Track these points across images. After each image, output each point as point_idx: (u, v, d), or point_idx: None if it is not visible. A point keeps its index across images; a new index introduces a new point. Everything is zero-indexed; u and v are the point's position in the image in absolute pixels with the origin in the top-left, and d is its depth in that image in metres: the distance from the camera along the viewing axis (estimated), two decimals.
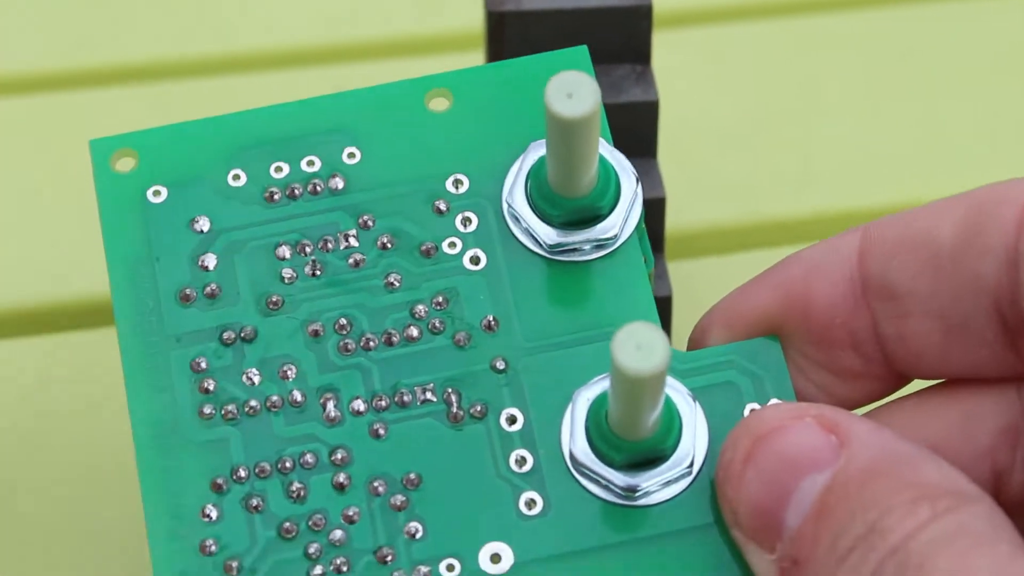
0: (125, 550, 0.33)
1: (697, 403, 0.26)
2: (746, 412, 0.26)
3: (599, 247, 0.27)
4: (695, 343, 0.27)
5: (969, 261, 0.25)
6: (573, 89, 0.25)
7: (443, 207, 0.27)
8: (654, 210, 0.32)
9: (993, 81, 0.39)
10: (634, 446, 0.25)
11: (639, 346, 0.23)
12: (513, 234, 0.27)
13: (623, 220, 0.27)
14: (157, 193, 0.28)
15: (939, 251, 0.26)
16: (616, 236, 0.27)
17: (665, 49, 0.33)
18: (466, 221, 0.27)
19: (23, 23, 0.40)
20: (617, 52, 0.27)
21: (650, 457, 0.25)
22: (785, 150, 0.37)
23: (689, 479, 0.26)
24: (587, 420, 0.26)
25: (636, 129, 0.30)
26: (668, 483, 0.26)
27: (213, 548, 0.25)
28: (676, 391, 0.26)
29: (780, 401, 0.26)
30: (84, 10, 0.40)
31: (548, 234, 0.27)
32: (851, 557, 0.23)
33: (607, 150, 0.27)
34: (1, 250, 0.38)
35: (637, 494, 0.26)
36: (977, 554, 0.22)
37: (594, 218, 0.27)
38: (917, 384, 0.27)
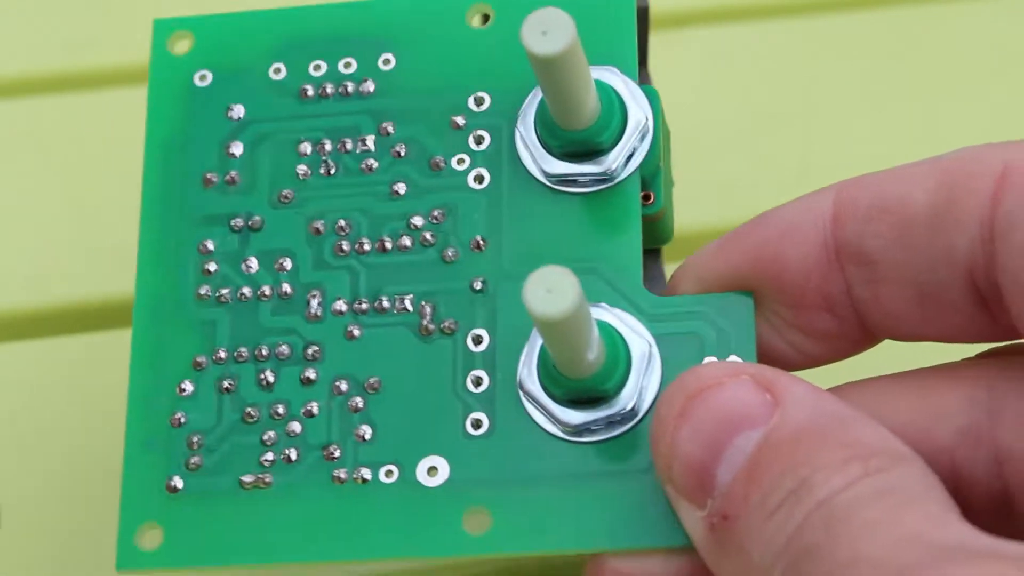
0: None
1: (655, 348, 0.26)
2: None
3: (598, 181, 0.27)
4: (670, 288, 0.27)
5: (943, 233, 0.25)
6: (548, 26, 0.25)
7: (461, 122, 0.28)
8: None
9: (993, 81, 0.38)
10: (572, 383, 0.25)
11: (549, 289, 0.23)
12: (520, 159, 0.27)
13: (624, 158, 0.27)
14: (203, 78, 0.29)
15: (912, 220, 0.25)
16: (614, 173, 0.27)
17: (664, 49, 0.33)
18: (479, 139, 0.28)
19: (23, 23, 0.40)
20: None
21: (591, 396, 0.26)
22: (785, 150, 0.36)
23: (632, 422, 0.26)
24: (540, 355, 0.26)
25: None
26: (612, 424, 0.26)
27: (182, 420, 0.27)
28: (636, 334, 0.26)
29: (736, 359, 0.26)
30: (84, 10, 0.40)
31: (549, 163, 0.27)
32: (779, 512, 0.23)
33: (621, 81, 0.27)
34: (0, 251, 0.37)
35: (580, 430, 0.26)
36: (906, 510, 0.22)
37: (595, 152, 0.27)
38: (887, 355, 0.26)
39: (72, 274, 0.37)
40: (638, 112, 0.27)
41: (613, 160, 0.27)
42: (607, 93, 0.27)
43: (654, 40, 0.32)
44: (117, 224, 0.37)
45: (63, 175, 0.38)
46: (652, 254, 0.31)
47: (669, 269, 0.30)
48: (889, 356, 0.28)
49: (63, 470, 0.34)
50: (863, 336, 0.26)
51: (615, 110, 0.27)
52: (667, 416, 0.24)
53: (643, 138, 0.27)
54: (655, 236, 0.28)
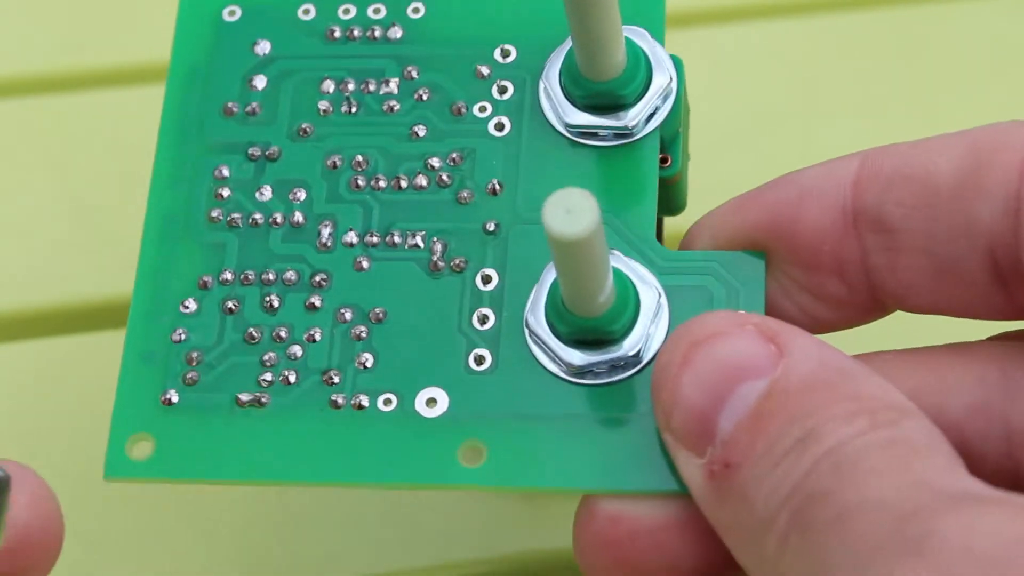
0: (124, 551, 0.33)
1: (664, 299, 0.26)
2: None
3: (618, 135, 0.27)
4: (684, 243, 0.27)
5: (966, 204, 0.25)
6: None
7: (485, 72, 0.28)
8: None
9: (993, 81, 0.38)
10: (579, 321, 0.25)
11: (569, 210, 0.23)
12: (542, 110, 0.28)
13: (646, 114, 0.27)
14: (232, 13, 0.29)
15: (936, 190, 0.25)
16: (635, 128, 0.27)
17: (665, 49, 0.33)
18: (502, 89, 0.28)
19: (23, 23, 0.40)
20: None
21: (597, 337, 0.26)
22: (785, 150, 0.37)
23: (635, 368, 0.26)
24: (549, 293, 0.26)
25: None
26: (615, 368, 0.26)
27: (182, 337, 0.27)
28: (646, 284, 0.26)
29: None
30: (84, 10, 0.40)
31: (570, 113, 0.27)
32: (786, 460, 0.22)
33: (648, 43, 0.27)
34: (0, 251, 0.37)
35: (583, 372, 0.26)
36: (914, 458, 0.22)
37: (617, 106, 0.27)
38: (898, 330, 0.26)
39: (71, 274, 0.37)
40: (663, 73, 0.27)
41: (635, 116, 0.27)
42: (634, 49, 0.27)
43: None
44: (117, 224, 0.37)
45: (62, 175, 0.38)
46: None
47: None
48: (900, 331, 0.28)
49: (63, 470, 0.33)
50: (873, 304, 0.26)
51: (641, 66, 0.27)
52: (670, 363, 0.24)
53: (666, 99, 0.27)
54: (668, 202, 0.28)
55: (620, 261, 0.26)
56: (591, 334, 0.26)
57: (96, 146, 0.38)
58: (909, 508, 0.21)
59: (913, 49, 0.39)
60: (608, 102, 0.27)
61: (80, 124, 0.39)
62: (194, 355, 0.27)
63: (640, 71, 0.27)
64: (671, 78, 0.27)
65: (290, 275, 0.27)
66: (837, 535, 0.21)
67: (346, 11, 0.29)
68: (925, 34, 0.39)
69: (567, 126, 0.27)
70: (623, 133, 0.27)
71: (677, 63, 0.28)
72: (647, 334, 0.26)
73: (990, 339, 0.26)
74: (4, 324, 0.37)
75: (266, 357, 0.27)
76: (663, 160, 0.28)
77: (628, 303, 0.26)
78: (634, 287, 0.26)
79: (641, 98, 0.27)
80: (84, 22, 0.40)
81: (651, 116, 0.27)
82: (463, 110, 0.28)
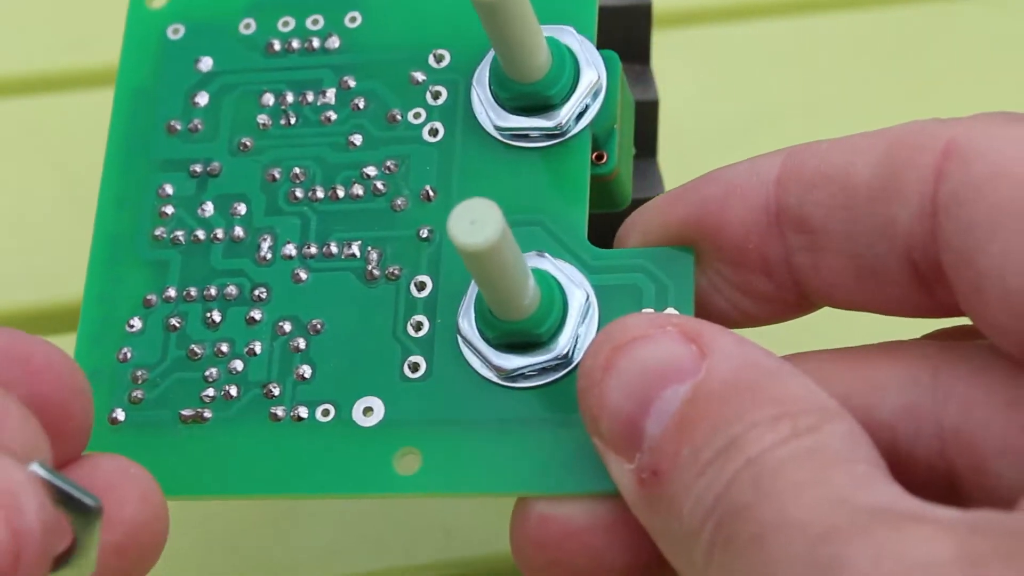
0: None
1: (593, 298, 0.26)
2: None
3: (548, 136, 0.27)
4: (618, 241, 0.27)
5: (884, 206, 0.25)
6: None
7: (420, 78, 0.28)
8: None
9: (993, 81, 0.38)
10: (504, 325, 0.26)
11: (473, 221, 0.23)
12: (475, 114, 0.28)
13: (575, 112, 0.27)
14: (176, 31, 0.30)
15: (855, 192, 0.25)
16: (565, 127, 0.27)
17: (665, 49, 0.33)
18: (436, 95, 0.28)
19: (23, 23, 0.41)
20: (617, 52, 0.28)
21: (525, 340, 0.26)
22: None
23: (566, 370, 0.26)
24: (478, 296, 0.26)
25: (636, 129, 0.30)
26: (545, 371, 0.26)
27: (128, 355, 0.27)
28: (575, 284, 0.26)
29: (673, 311, 0.26)
30: (83, 10, 0.40)
31: (501, 116, 0.27)
32: (709, 470, 0.23)
33: (577, 41, 0.27)
34: (1, 252, 0.37)
35: (513, 375, 0.26)
36: (834, 470, 0.22)
37: (546, 106, 0.27)
38: (830, 325, 0.26)
39: (72, 272, 0.36)
40: (591, 70, 0.27)
41: (564, 115, 0.27)
42: (559, 49, 0.27)
43: (654, 40, 0.32)
44: None
45: (63, 174, 0.38)
46: (647, 157, 0.30)
47: None
48: (831, 327, 0.28)
49: None
50: (801, 300, 0.26)
51: (566, 65, 0.27)
52: (593, 368, 0.24)
53: (596, 96, 0.27)
54: (608, 198, 0.28)
55: (549, 262, 0.26)
56: (518, 337, 0.26)
57: (97, 145, 0.38)
58: (821, 530, 0.21)
59: (913, 49, 0.39)
60: (536, 103, 0.27)
61: (81, 123, 0.39)
62: (139, 373, 0.27)
63: (566, 70, 0.27)
64: (600, 75, 0.27)
65: (231, 290, 0.27)
66: (756, 554, 0.21)
67: (285, 23, 0.29)
68: (925, 34, 0.39)
69: (498, 129, 0.27)
70: (553, 133, 0.27)
71: (610, 59, 0.28)
72: (576, 335, 0.26)
73: (922, 338, 0.26)
74: (5, 322, 0.37)
75: (208, 373, 0.27)
76: (598, 157, 0.28)
77: (554, 304, 0.26)
78: (560, 289, 0.26)
79: (569, 97, 0.27)
80: (85, 21, 0.41)
81: (581, 114, 0.27)
82: (398, 117, 0.28)
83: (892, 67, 0.38)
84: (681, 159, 0.32)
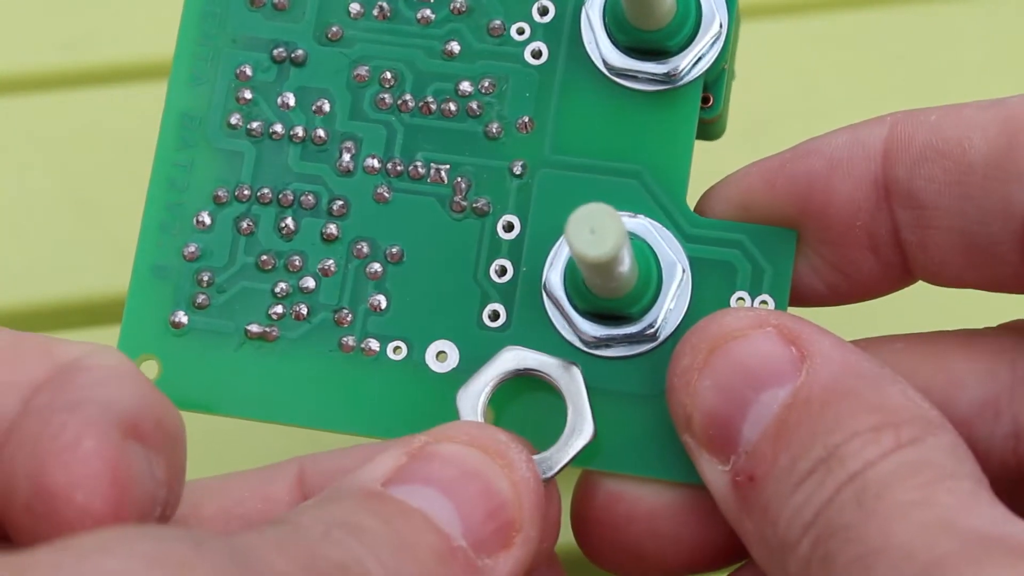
0: None
1: (688, 275, 0.25)
2: (732, 301, 0.25)
3: (659, 81, 0.26)
4: (703, 204, 0.26)
5: (1001, 184, 0.24)
6: None
7: None
8: None
9: (993, 81, 0.37)
10: (599, 302, 0.25)
11: (593, 230, 0.22)
12: (583, 42, 0.26)
13: (691, 63, 0.26)
14: None
15: (969, 168, 0.24)
16: (678, 76, 0.26)
17: None
18: (543, 10, 0.26)
19: (23, 23, 0.39)
20: None
21: (615, 315, 0.25)
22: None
23: (652, 344, 0.25)
24: (568, 265, 0.25)
25: None
26: (631, 343, 0.25)
27: (195, 254, 0.26)
28: (672, 259, 0.25)
29: (767, 298, 0.25)
30: (85, 8, 0.39)
31: (611, 54, 0.26)
32: (809, 480, 0.22)
33: None
34: (1, 250, 0.37)
35: (599, 344, 0.25)
36: (940, 488, 0.21)
37: (660, 52, 0.26)
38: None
39: (73, 270, 0.36)
40: (714, 18, 0.26)
41: (679, 62, 0.26)
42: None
43: None
44: (117, 221, 0.36)
45: (64, 172, 0.37)
46: None
47: None
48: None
49: None
50: (903, 277, 0.25)
51: (690, 14, 0.25)
52: (688, 367, 0.24)
53: (713, 44, 0.26)
54: (706, 135, 0.27)
55: (649, 227, 0.25)
56: (609, 312, 0.25)
57: (98, 143, 0.38)
58: (931, 558, 0.20)
59: (913, 49, 0.38)
60: (653, 48, 0.26)
61: (82, 121, 0.38)
62: (205, 276, 0.26)
63: (689, 19, 0.25)
64: (722, 24, 0.26)
65: (308, 198, 0.26)
66: None
67: None
68: (925, 34, 0.38)
69: (607, 65, 0.26)
70: (665, 80, 0.26)
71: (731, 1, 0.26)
72: (666, 309, 0.25)
73: (1001, 326, 0.26)
74: (5, 320, 0.36)
75: (278, 288, 0.26)
76: (704, 100, 0.26)
77: (650, 284, 0.25)
78: (658, 266, 0.25)
79: (688, 45, 0.26)
80: (85, 19, 0.39)
81: (697, 62, 0.26)
82: (500, 30, 0.26)
83: (892, 67, 0.38)
84: None
